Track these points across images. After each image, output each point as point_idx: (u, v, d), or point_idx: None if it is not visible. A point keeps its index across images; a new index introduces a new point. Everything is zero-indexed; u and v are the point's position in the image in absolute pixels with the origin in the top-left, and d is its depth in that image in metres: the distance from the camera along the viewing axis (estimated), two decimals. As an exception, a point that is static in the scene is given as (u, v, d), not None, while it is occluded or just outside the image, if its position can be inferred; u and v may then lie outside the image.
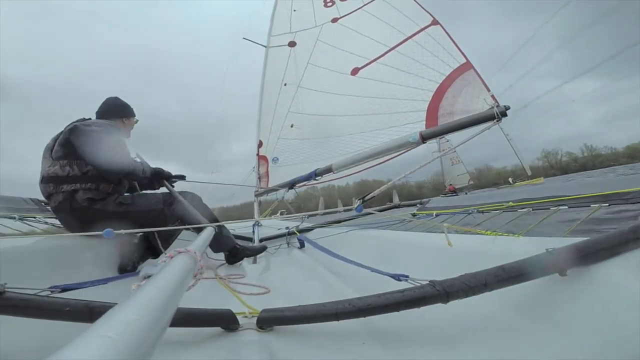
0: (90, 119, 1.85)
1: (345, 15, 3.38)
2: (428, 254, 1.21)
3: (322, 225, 2.61)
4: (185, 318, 0.76)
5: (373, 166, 2.33)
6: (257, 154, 3.83)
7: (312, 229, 2.62)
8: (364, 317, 0.73)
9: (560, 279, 0.68)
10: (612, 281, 0.62)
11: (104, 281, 1.13)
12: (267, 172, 3.68)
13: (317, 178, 2.43)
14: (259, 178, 3.72)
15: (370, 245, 1.70)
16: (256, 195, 3.63)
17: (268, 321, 0.84)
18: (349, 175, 2.57)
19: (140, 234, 1.83)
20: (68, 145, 1.66)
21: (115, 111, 2.00)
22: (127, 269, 1.66)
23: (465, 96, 2.04)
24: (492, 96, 1.81)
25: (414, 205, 2.40)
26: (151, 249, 1.83)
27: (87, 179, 1.67)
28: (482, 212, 1.46)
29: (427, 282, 0.72)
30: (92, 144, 1.62)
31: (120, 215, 1.66)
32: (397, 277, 0.88)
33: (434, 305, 0.69)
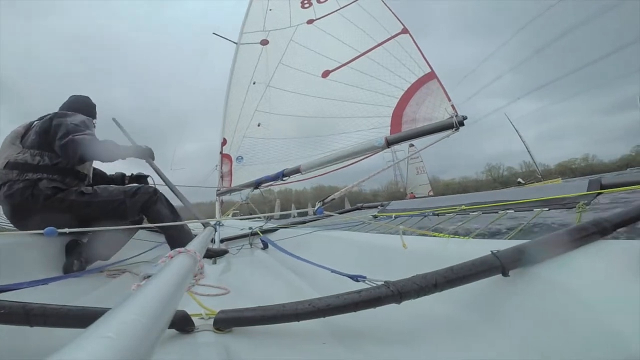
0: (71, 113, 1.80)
1: (321, 18, 3.40)
2: (385, 255, 1.24)
3: (286, 226, 2.60)
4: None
5: (340, 168, 2.37)
6: (221, 152, 3.73)
7: (276, 230, 2.60)
8: (324, 317, 0.74)
9: (503, 279, 0.71)
10: (551, 281, 0.66)
11: (44, 281, 1.04)
12: (231, 170, 3.60)
13: (284, 179, 2.42)
14: (222, 177, 3.62)
15: (332, 247, 1.72)
16: (218, 195, 3.53)
17: (226, 322, 0.82)
18: (317, 176, 2.59)
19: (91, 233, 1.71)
20: (44, 135, 1.64)
21: (88, 111, 1.99)
22: (73, 269, 1.54)
23: (428, 104, 2.13)
24: (452, 106, 1.91)
25: (376, 207, 2.47)
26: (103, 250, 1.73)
27: (55, 170, 1.66)
28: (438, 214, 1.53)
29: (382, 283, 0.74)
30: (87, 142, 1.62)
31: (81, 205, 1.66)
32: (355, 278, 0.90)
33: (389, 305, 0.71)
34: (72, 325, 0.69)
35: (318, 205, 1.31)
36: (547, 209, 1.15)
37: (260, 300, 0.89)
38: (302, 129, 3.03)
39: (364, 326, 0.82)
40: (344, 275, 0.98)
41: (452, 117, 1.78)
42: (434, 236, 1.22)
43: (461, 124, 1.70)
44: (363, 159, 2.10)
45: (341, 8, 3.23)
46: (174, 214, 1.89)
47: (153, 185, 1.97)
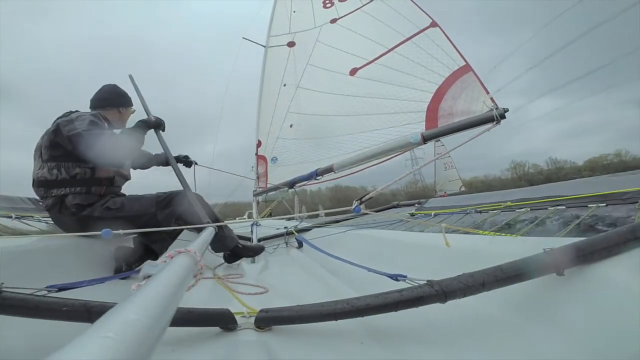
0: (76, 111, 1.74)
1: (344, 16, 3.39)
2: (426, 254, 1.21)
3: (320, 225, 2.62)
4: (183, 318, 0.76)
5: (373, 165, 2.34)
6: (256, 154, 3.84)
7: (310, 229, 2.63)
8: (362, 316, 0.73)
9: (557, 278, 0.68)
10: (610, 281, 0.62)
11: (101, 280, 1.12)
12: (266, 171, 3.69)
13: (317, 178, 2.43)
14: (258, 178, 3.72)
15: (368, 245, 1.70)
16: (255, 195, 3.63)
17: (266, 321, 0.83)
18: (350, 174, 2.58)
19: (137, 236, 1.79)
20: (55, 147, 1.58)
21: (112, 99, 1.89)
22: (123, 271, 1.64)
23: (465, 98, 2.04)
24: (492, 98, 1.82)
25: (413, 205, 2.41)
26: (149, 251, 1.79)
27: (76, 182, 1.60)
28: (480, 212, 1.46)
29: (425, 282, 0.72)
30: (80, 143, 1.53)
31: (108, 222, 1.56)
32: (395, 277, 0.88)
33: (432, 305, 0.69)
34: None
35: (356, 203, 1.29)
36: (604, 204, 1.05)
37: (298, 299, 0.90)
38: (332, 128, 3.03)
39: (404, 327, 0.81)
40: (382, 275, 0.96)
41: (491, 109, 1.70)
42: (478, 234, 1.17)
43: (502, 116, 1.61)
44: (397, 155, 2.05)
45: (363, 5, 3.18)
46: (213, 218, 1.81)
47: (192, 191, 1.84)
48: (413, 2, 2.69)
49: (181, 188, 1.82)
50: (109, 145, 1.57)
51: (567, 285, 0.68)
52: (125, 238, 1.78)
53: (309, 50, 3.60)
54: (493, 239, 1.04)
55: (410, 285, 0.75)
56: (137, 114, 2.02)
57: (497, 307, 0.79)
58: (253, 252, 2.09)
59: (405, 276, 0.86)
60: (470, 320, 0.80)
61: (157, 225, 1.65)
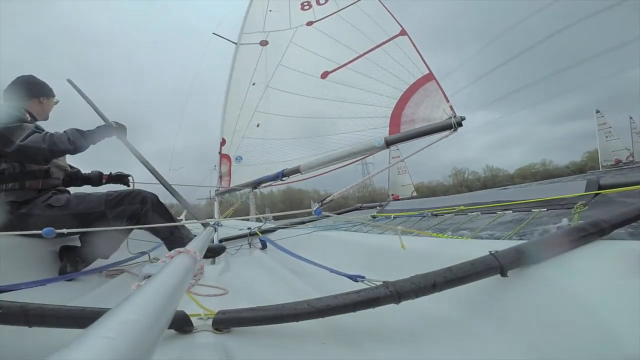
0: None
1: (321, 19, 3.42)
2: (384, 256, 1.25)
3: (285, 227, 2.60)
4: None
5: (339, 167, 2.38)
6: (220, 152, 3.74)
7: (274, 230, 2.60)
8: (323, 317, 0.74)
9: (502, 279, 0.72)
10: (548, 282, 0.66)
11: (42, 282, 1.04)
12: (230, 171, 3.61)
13: (284, 179, 2.42)
14: (220, 177, 3.63)
15: (331, 247, 1.72)
16: (217, 195, 3.53)
17: (224, 322, 0.82)
18: (317, 176, 2.60)
19: (83, 235, 1.65)
20: None
21: (29, 90, 1.72)
22: (67, 272, 1.53)
23: (426, 105, 2.14)
24: (451, 107, 1.92)
25: (374, 207, 2.47)
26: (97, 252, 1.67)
27: (6, 178, 1.47)
28: (436, 215, 1.53)
29: (381, 283, 0.74)
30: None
31: (50, 220, 1.41)
32: (354, 278, 0.90)
33: (388, 305, 0.71)
34: (71, 325, 0.69)
35: (317, 206, 1.30)
36: (545, 209, 1.16)
37: (260, 300, 0.89)
38: (301, 130, 3.04)
39: (364, 326, 0.82)
40: (342, 275, 0.98)
41: (450, 117, 1.78)
42: (433, 236, 1.22)
43: (459, 124, 1.70)
44: (362, 158, 2.10)
45: (340, 10, 3.24)
46: (170, 220, 1.74)
47: (141, 190, 1.73)
48: (386, 9, 2.78)
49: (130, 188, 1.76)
50: (38, 146, 1.44)
51: (510, 285, 0.72)
52: (71, 237, 1.65)
53: (282, 50, 3.59)
54: (446, 241, 1.09)
55: (368, 286, 0.77)
56: (95, 120, 1.83)
57: (447, 307, 0.82)
58: (213, 252, 2.02)
59: (363, 277, 0.88)
60: (423, 320, 0.82)
61: (106, 225, 1.54)
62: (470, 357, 0.68)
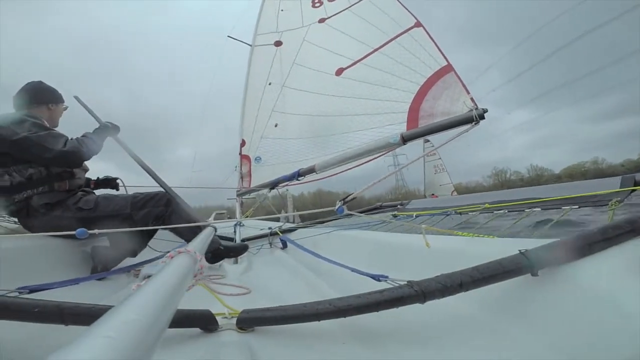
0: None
1: (333, 16, 3.39)
2: (407, 255, 1.23)
3: (305, 226, 2.61)
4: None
5: (355, 166, 2.35)
6: (240, 153, 3.80)
7: (294, 230, 2.62)
8: (344, 317, 0.73)
9: (532, 279, 0.70)
10: (581, 281, 0.64)
11: (75, 281, 1.09)
12: (250, 171, 3.65)
13: (300, 178, 2.41)
14: (241, 178, 3.68)
15: (352, 246, 1.72)
16: (238, 195, 3.59)
17: (248, 322, 0.83)
18: (332, 175, 2.58)
19: (113, 236, 1.73)
20: None
21: (38, 96, 1.75)
22: (98, 271, 1.60)
23: (445, 98, 2.04)
24: (472, 99, 1.84)
25: (395, 206, 2.44)
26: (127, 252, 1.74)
27: (35, 183, 1.54)
28: (460, 213, 1.49)
29: (405, 283, 0.73)
30: (30, 146, 1.49)
31: (81, 221, 1.50)
32: (377, 278, 0.89)
33: (412, 305, 0.70)
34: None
35: (339, 204, 1.29)
36: (577, 206, 1.10)
37: (281, 299, 0.90)
38: (317, 128, 3.03)
39: (385, 326, 0.81)
40: (364, 275, 0.97)
41: (471, 110, 1.72)
42: (458, 235, 1.19)
43: (481, 117, 1.63)
44: (379, 156, 2.06)
45: (352, 5, 3.19)
46: (192, 221, 1.75)
47: (166, 192, 1.79)
48: (399, 1, 2.72)
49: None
50: (75, 148, 1.55)
51: (541, 285, 0.70)
52: (101, 238, 1.73)
53: (296, 49, 3.59)
54: (472, 240, 1.06)
55: (391, 286, 0.76)
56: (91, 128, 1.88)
57: (474, 307, 0.80)
58: (235, 252, 2.05)
59: (386, 277, 0.87)
60: (449, 321, 0.81)
61: (132, 226, 1.61)
62: (498, 357, 0.67)
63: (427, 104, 2.18)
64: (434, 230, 1.36)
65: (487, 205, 1.38)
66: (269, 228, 2.78)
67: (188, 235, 1.75)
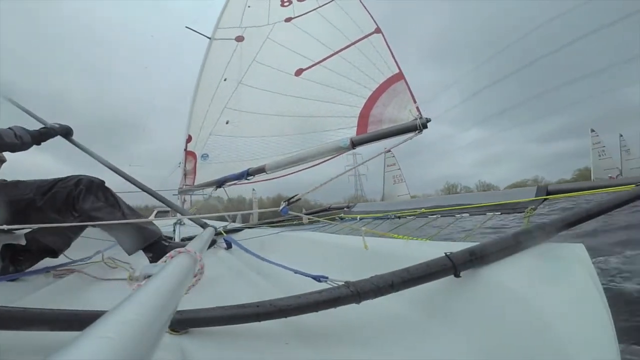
0: None
1: (300, 16, 3.36)
2: (348, 256, 1.26)
3: (251, 226, 2.55)
4: (87, 321, 0.69)
5: (306, 168, 2.35)
6: (185, 149, 3.61)
7: (241, 230, 2.55)
8: (285, 317, 0.73)
9: (455, 280, 0.75)
10: (497, 282, 0.69)
11: None
12: (195, 168, 3.49)
13: (249, 178, 2.36)
14: (185, 175, 3.50)
15: (298, 247, 1.72)
16: (180, 193, 3.40)
17: (181, 323, 0.79)
18: (283, 176, 2.56)
19: (29, 230, 1.54)
20: None
21: None
22: (10, 272, 1.41)
23: (394, 105, 2.12)
24: (417, 108, 1.93)
25: (342, 209, 2.49)
26: (45, 250, 1.54)
27: None
28: (399, 217, 1.57)
29: (343, 283, 0.75)
30: None
31: None
32: (318, 279, 0.90)
33: (351, 305, 0.72)
34: (12, 327, 0.66)
35: (283, 205, 1.28)
36: (499, 213, 1.23)
37: (221, 301, 0.87)
38: (271, 128, 2.98)
39: (327, 326, 0.83)
40: (307, 276, 0.98)
41: (416, 119, 1.80)
42: (395, 238, 1.25)
43: (424, 126, 1.73)
44: (329, 159, 2.09)
45: (320, 7, 3.20)
46: (116, 207, 1.53)
47: (80, 175, 1.52)
48: (363, 6, 2.76)
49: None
50: None
51: (463, 286, 0.75)
52: (16, 234, 1.53)
53: (258, 46, 3.50)
54: (406, 243, 1.12)
55: (330, 286, 0.77)
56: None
57: (406, 307, 0.85)
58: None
59: (327, 277, 0.88)
60: (383, 320, 0.84)
61: (38, 214, 1.41)
62: (426, 357, 0.70)
63: (377, 110, 2.24)
64: (374, 232, 1.41)
65: (423, 210, 1.47)
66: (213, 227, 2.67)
67: (126, 235, 1.55)
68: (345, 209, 2.33)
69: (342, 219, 2.05)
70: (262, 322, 0.74)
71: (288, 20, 3.43)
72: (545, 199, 1.19)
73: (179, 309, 0.82)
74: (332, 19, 2.99)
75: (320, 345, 0.78)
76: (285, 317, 0.73)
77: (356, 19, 2.75)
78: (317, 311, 0.72)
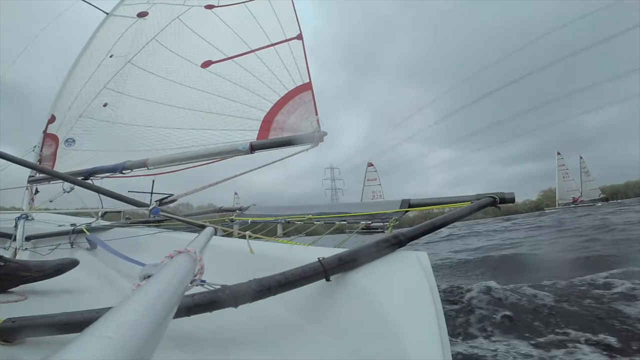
0: None
1: (224, 6, 3.08)
2: (232, 260, 1.24)
3: (122, 225, 2.21)
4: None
5: (195, 166, 2.18)
6: (44, 131, 2.94)
7: (109, 228, 2.19)
8: None
9: (326, 283, 0.80)
10: (360, 286, 0.76)
11: None
12: (55, 154, 2.86)
13: (124, 172, 2.04)
14: (40, 160, 2.83)
15: (175, 249, 1.58)
16: (30, 182, 2.71)
17: (13, 332, 0.69)
18: (166, 173, 2.30)
19: None
20: None
21: None
22: None
23: (298, 115, 2.15)
24: (317, 120, 2.01)
25: (234, 210, 2.39)
26: None
27: None
28: (288, 222, 1.62)
29: (219, 287, 0.73)
30: None
31: None
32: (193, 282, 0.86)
33: (232, 309, 0.71)
34: None
35: (154, 204, 1.15)
36: (370, 222, 1.39)
37: (74, 307, 0.75)
38: (160, 118, 2.66)
39: (202, 330, 0.81)
40: None
41: (314, 131, 1.88)
42: (280, 242, 1.29)
43: (320, 139, 1.81)
44: (223, 159, 1.99)
45: (250, 0, 3.00)
46: None
47: None
48: (294, 9, 2.66)
49: None
50: None
51: (333, 289, 0.81)
52: None
53: (162, 25, 3.10)
54: (291, 247, 1.17)
55: (206, 290, 0.74)
56: None
57: (283, 310, 0.88)
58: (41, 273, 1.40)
59: (204, 281, 0.85)
60: (262, 323, 0.86)
61: None
62: (302, 357, 0.74)
63: (282, 117, 2.23)
64: (261, 237, 1.43)
65: (310, 216, 1.56)
66: (72, 225, 2.22)
67: None
68: (237, 211, 2.25)
69: (232, 221, 1.97)
70: None
71: (209, 7, 3.11)
72: (407, 211, 1.41)
73: (12, 316, 0.68)
74: (259, 16, 2.83)
75: (197, 349, 0.76)
76: None
77: (283, 21, 2.66)
78: (189, 315, 0.69)
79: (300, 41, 2.50)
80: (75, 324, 0.67)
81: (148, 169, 1.97)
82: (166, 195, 1.22)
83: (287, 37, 2.55)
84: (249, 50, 2.64)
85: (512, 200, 1.32)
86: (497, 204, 1.29)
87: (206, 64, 2.74)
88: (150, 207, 1.08)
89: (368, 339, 0.68)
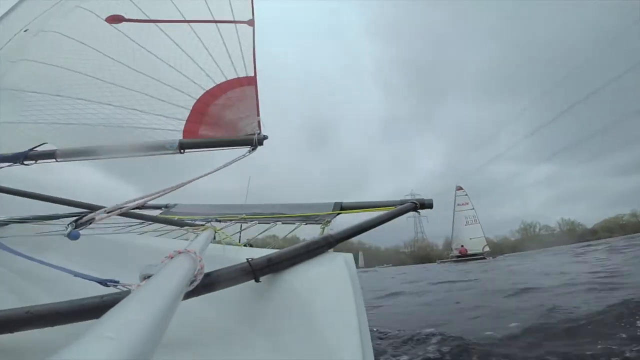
0: None
1: None
2: (156, 260, 1.17)
3: (23, 220, 1.90)
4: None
5: (115, 157, 1.83)
6: None
7: (6, 224, 1.87)
8: (51, 326, 0.64)
9: (256, 285, 0.80)
10: (290, 287, 0.77)
11: None
12: None
13: (26, 162, 1.68)
14: None
15: (91, 249, 1.44)
16: None
17: None
18: (80, 160, 1.86)
19: None
20: None
21: None
22: None
23: (236, 111, 1.87)
24: (259, 122, 1.76)
25: (160, 208, 2.20)
26: None
27: None
28: (220, 221, 1.58)
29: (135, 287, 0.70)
30: None
31: None
32: (105, 283, 0.83)
33: None
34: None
35: (70, 228, 0.92)
36: (305, 223, 1.44)
37: None
38: (66, 86, 1.97)
39: None
40: (91, 280, 0.87)
41: (254, 133, 1.66)
42: (214, 243, 1.26)
43: (260, 143, 1.62)
44: (149, 155, 1.72)
45: None
46: None
47: None
48: None
49: None
50: None
51: (262, 290, 0.82)
52: None
53: None
54: (224, 248, 1.15)
55: (118, 291, 0.71)
56: None
57: (214, 311, 0.86)
58: None
59: (117, 281, 0.81)
60: (195, 324, 0.83)
61: None
62: (235, 358, 0.73)
63: (216, 109, 1.89)
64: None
65: (244, 216, 1.54)
66: None
67: None
68: (163, 208, 2.06)
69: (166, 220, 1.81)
70: (21, 333, 0.63)
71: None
72: (339, 213, 1.49)
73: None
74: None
75: None
76: (52, 325, 0.64)
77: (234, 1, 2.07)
78: (98, 317, 0.65)
79: (252, 28, 2.04)
80: None
81: (57, 161, 1.64)
82: (84, 213, 0.96)
83: (236, 19, 2.05)
84: (182, 19, 2.06)
85: (431, 206, 1.45)
86: (417, 209, 1.43)
87: (114, 19, 2.05)
88: (68, 232, 0.87)
89: (297, 339, 0.69)
